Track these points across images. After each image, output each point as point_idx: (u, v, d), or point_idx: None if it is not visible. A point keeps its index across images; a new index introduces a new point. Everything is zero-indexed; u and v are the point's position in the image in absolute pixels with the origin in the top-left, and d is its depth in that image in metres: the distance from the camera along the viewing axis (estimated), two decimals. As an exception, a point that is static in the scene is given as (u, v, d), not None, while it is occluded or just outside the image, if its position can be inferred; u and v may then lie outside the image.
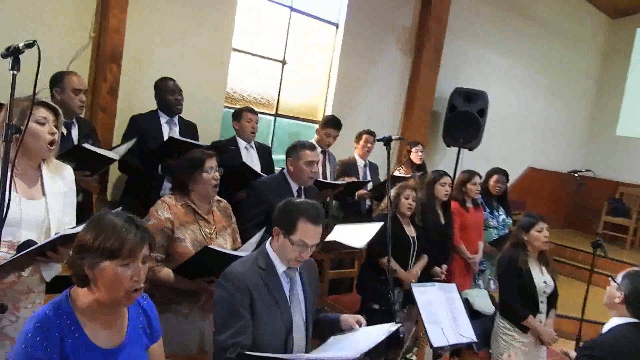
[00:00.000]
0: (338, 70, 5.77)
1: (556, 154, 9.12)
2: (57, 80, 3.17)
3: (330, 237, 3.29)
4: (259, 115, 5.13)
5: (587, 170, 4.14)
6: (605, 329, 2.34)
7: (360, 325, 2.15)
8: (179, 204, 2.63)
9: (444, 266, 4.25)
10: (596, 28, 9.56)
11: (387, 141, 2.76)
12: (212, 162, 2.67)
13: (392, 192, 3.85)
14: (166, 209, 2.59)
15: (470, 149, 6.59)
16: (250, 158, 4.19)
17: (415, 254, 3.89)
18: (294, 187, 3.25)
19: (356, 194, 4.66)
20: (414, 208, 3.83)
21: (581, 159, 9.42)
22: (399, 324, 2.19)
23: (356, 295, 4.13)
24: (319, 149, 4.51)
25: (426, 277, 3.98)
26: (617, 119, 9.63)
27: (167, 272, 2.52)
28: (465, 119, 6.44)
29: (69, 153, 2.88)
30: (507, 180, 4.91)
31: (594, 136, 9.91)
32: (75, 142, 3.21)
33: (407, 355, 3.64)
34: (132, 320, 1.67)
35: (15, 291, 2.08)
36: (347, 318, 2.18)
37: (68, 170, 2.37)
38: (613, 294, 2.34)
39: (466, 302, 4.18)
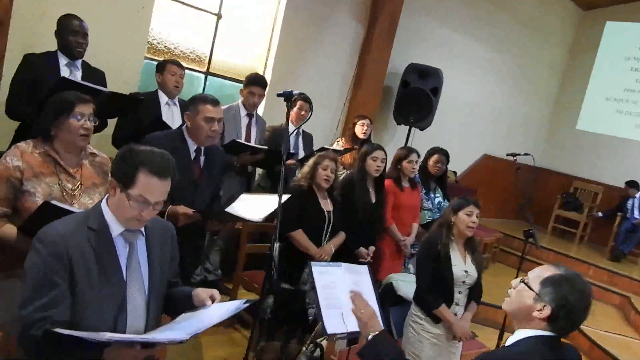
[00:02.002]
0: (281, 31, 5.32)
1: (514, 144, 8.82)
2: None
3: (231, 207, 2.91)
4: (189, 71, 4.78)
5: (525, 154, 3.86)
6: (510, 341, 1.75)
7: (213, 301, 1.80)
8: (36, 152, 2.24)
9: (372, 248, 3.95)
10: (566, 19, 9.34)
11: (287, 97, 2.39)
12: (84, 108, 2.27)
13: (310, 161, 3.54)
14: (17, 155, 2.20)
15: (421, 129, 6.31)
16: (171, 115, 3.80)
17: (330, 230, 3.55)
18: (192, 147, 2.84)
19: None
20: (331, 180, 3.49)
21: (539, 151, 9.27)
22: (251, 301, 1.85)
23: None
24: (243, 111, 4.15)
25: (352, 258, 3.66)
26: (578, 113, 9.50)
27: (7, 229, 2.14)
28: (417, 96, 6.13)
29: None
30: (448, 161, 4.61)
31: (554, 129, 9.77)
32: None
33: (318, 340, 3.34)
34: None
35: None
36: (199, 293, 1.83)
37: None
38: (527, 304, 1.70)
39: (390, 287, 3.94)
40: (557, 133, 9.71)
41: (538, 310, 1.67)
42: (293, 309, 3.46)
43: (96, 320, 1.61)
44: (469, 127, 8.03)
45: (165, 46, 4.66)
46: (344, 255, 3.62)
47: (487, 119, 8.37)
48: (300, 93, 2.54)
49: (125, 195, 1.64)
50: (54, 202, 2.03)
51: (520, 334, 1.72)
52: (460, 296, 3.13)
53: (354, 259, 3.69)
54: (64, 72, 3.33)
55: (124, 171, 1.65)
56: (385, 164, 4.02)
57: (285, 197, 2.91)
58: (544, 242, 7.86)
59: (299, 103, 4.49)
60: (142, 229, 1.79)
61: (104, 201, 1.73)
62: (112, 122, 3.63)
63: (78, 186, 2.29)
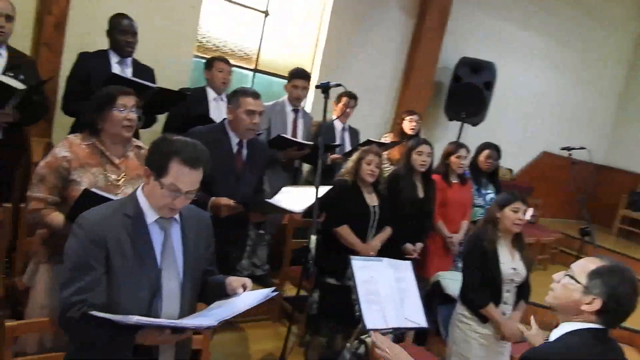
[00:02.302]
0: (329, 27, 5.31)
1: (575, 141, 8.39)
2: None
3: (273, 199, 2.92)
4: (237, 68, 4.86)
5: (581, 148, 3.65)
6: (555, 335, 1.71)
7: (244, 289, 1.80)
8: (84, 144, 2.34)
9: (419, 244, 3.86)
10: (631, 8, 8.79)
11: (324, 88, 2.38)
12: (126, 100, 2.36)
13: (354, 156, 3.50)
14: (66, 147, 2.31)
15: (474, 124, 6.13)
16: (219, 110, 3.87)
17: (376, 225, 3.50)
18: (234, 140, 2.88)
19: (329, 157, 4.28)
20: (376, 175, 3.44)
21: (603, 148, 8.80)
22: (278, 291, 1.84)
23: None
24: (288, 107, 4.17)
25: (398, 254, 3.60)
26: (646, 109, 8.94)
27: (55, 217, 2.25)
28: (469, 91, 5.96)
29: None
30: (499, 157, 4.46)
31: (619, 125, 9.20)
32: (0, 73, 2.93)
33: (363, 337, 3.30)
34: None
35: None
36: (232, 281, 1.84)
37: None
38: (575, 298, 1.66)
39: (438, 285, 3.84)
40: (622, 129, 9.15)
41: (587, 304, 1.64)
42: (339, 305, 3.44)
43: (131, 303, 1.64)
44: (527, 122, 7.72)
45: (214, 44, 4.75)
46: (390, 251, 3.55)
47: (546, 115, 8.01)
48: (337, 84, 2.52)
49: (158, 184, 1.67)
50: (93, 189, 2.11)
51: (566, 327, 1.68)
52: (508, 295, 3.00)
53: (401, 255, 3.62)
54: (115, 69, 3.44)
55: (158, 160, 1.68)
56: (432, 159, 3.93)
57: (324, 189, 2.90)
58: (609, 244, 7.45)
59: (343, 99, 4.48)
60: (177, 217, 1.81)
61: (139, 189, 1.77)
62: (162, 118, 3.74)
63: (122, 177, 2.36)
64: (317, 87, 2.44)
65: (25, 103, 2.90)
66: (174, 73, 4.25)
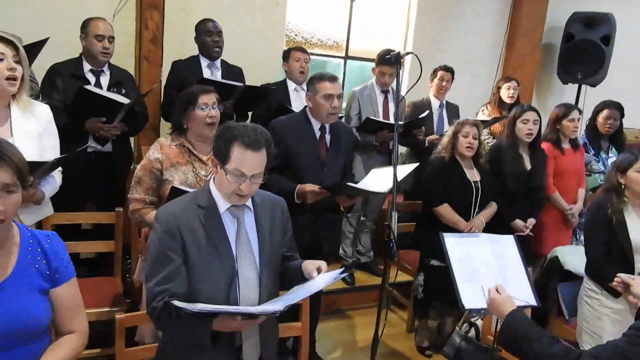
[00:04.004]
0: (419, 1, 5.10)
1: None
2: (83, 27, 3.18)
3: (361, 182, 2.87)
4: (328, 58, 4.88)
5: None
6: None
7: (319, 272, 1.77)
8: (173, 144, 2.49)
9: (530, 220, 3.58)
10: None
11: (396, 58, 2.28)
12: (207, 99, 2.46)
13: (449, 130, 3.33)
14: (157, 148, 2.47)
15: (593, 85, 5.53)
16: (300, 100, 3.87)
17: (478, 201, 3.30)
18: (316, 126, 2.87)
19: (427, 139, 4.11)
20: (475, 148, 3.24)
21: None
22: (348, 271, 1.79)
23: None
24: (377, 89, 4.07)
25: (508, 232, 3.37)
26: None
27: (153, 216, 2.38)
28: (584, 48, 5.39)
29: (76, 97, 2.89)
30: (622, 116, 3.99)
31: None
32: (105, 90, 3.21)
33: (472, 319, 3.15)
34: (21, 260, 1.50)
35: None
36: (307, 264, 1.81)
37: (42, 109, 2.31)
38: None
39: (556, 261, 3.55)
40: None
41: None
42: (445, 287, 3.30)
43: (210, 291, 1.69)
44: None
45: (302, 37, 4.79)
46: (498, 228, 3.34)
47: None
48: (408, 52, 2.41)
49: (223, 171, 1.70)
50: (180, 186, 2.22)
51: None
52: None
53: (510, 233, 3.38)
54: (206, 73, 3.61)
55: (221, 148, 1.71)
56: (540, 127, 3.61)
57: (408, 168, 2.79)
58: None
59: (439, 73, 4.29)
60: (251, 205, 1.83)
61: (211, 180, 1.82)
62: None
63: (211, 172, 2.47)
64: (387, 58, 2.35)
65: (130, 115, 3.15)
66: (267, 70, 4.34)
